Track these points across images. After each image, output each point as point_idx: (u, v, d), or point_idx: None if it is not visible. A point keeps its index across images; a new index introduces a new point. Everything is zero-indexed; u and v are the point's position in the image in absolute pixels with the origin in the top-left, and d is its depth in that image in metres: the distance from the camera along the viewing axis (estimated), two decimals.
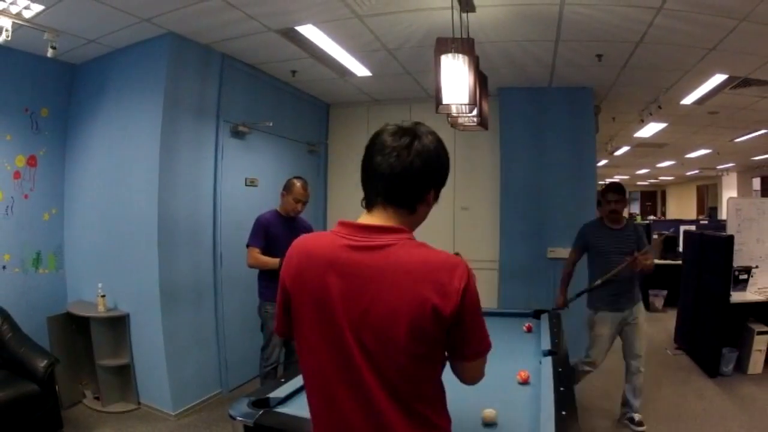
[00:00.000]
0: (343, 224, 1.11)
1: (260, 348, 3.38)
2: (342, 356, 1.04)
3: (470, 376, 1.14)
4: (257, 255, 3.21)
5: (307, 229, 3.53)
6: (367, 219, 1.10)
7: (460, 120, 3.02)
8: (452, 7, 2.62)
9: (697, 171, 13.63)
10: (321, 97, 5.32)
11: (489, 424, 1.64)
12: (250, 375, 4.09)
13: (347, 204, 5.32)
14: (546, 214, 4.78)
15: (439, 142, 1.12)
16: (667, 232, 7.52)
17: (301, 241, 1.16)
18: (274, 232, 3.27)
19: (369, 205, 1.11)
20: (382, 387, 1.02)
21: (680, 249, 6.72)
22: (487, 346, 1.11)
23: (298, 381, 1.95)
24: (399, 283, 1.01)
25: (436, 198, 1.14)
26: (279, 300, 1.18)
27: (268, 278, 3.26)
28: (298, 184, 3.35)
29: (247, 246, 3.27)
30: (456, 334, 1.04)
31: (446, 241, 5.11)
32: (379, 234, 1.06)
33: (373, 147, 1.10)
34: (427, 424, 1.06)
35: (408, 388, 1.04)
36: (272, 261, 3.14)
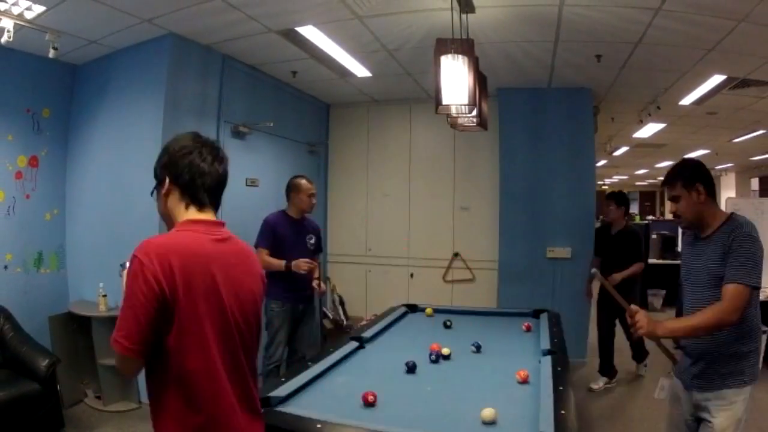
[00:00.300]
0: (195, 222, 1.24)
1: (263, 346, 3.39)
2: (231, 341, 1.18)
3: None
4: (265, 256, 3.25)
5: (316, 229, 3.57)
6: (204, 216, 1.26)
7: (460, 120, 3.03)
8: (452, 8, 2.63)
9: None
10: (321, 98, 5.33)
11: (488, 422, 1.65)
12: None
13: (347, 203, 5.29)
14: (545, 215, 4.79)
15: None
16: (666, 232, 7.55)
17: (173, 244, 1.15)
18: (282, 233, 3.31)
19: (201, 204, 1.26)
20: (248, 364, 1.24)
21: (679, 249, 6.73)
22: None
23: (299, 380, 1.98)
24: (249, 267, 1.30)
25: None
26: (148, 310, 1.06)
27: (274, 278, 3.28)
28: (303, 180, 3.42)
29: (256, 247, 3.30)
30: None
31: (446, 241, 5.06)
32: (221, 228, 1.28)
33: (203, 155, 1.27)
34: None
35: (253, 359, 1.29)
36: (278, 262, 3.21)
